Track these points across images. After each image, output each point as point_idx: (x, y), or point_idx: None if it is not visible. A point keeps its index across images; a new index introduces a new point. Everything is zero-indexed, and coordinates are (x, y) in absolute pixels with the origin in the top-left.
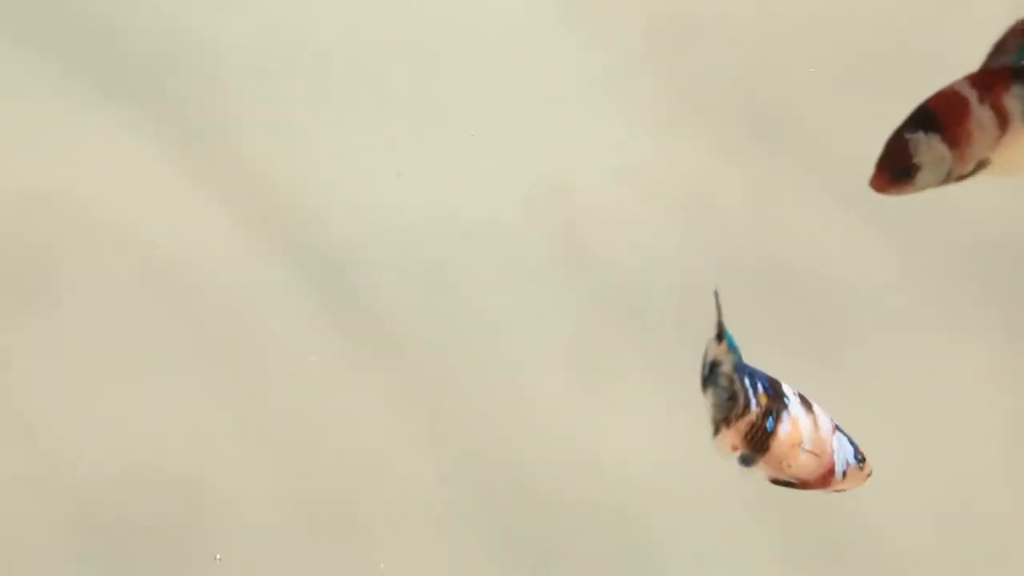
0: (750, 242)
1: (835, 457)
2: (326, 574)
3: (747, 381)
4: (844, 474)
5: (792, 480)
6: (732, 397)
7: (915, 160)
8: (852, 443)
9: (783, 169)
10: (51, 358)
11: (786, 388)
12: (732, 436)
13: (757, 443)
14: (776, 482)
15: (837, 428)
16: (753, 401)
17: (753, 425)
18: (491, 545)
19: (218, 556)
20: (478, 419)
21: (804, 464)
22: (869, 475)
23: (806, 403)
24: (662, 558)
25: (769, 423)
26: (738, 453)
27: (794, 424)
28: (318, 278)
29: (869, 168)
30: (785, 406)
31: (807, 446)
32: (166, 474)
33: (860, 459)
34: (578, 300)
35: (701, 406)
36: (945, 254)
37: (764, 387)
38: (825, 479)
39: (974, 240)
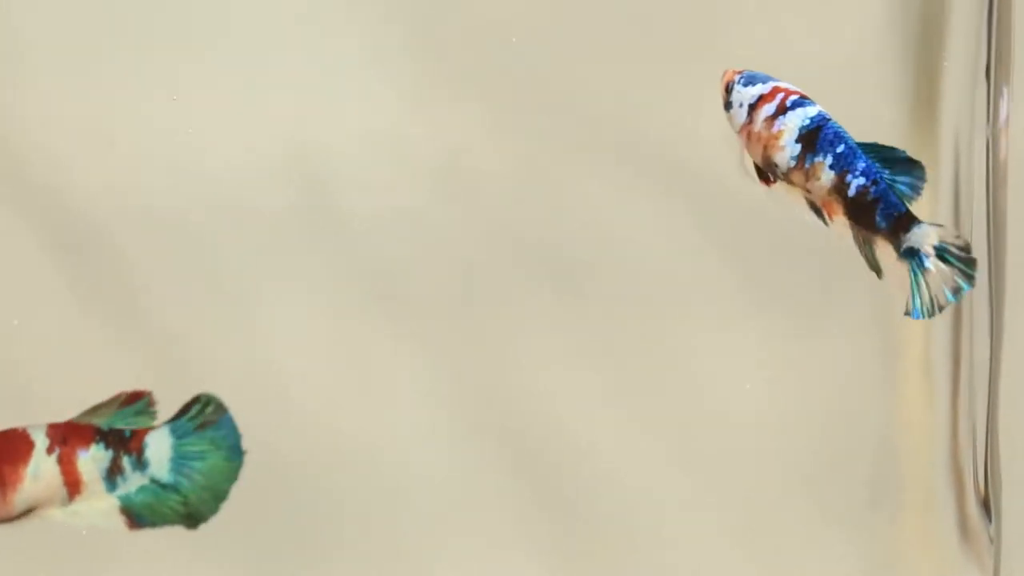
0: (510, 213)
1: None
2: None
3: None
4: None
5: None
6: None
7: None
8: None
9: (548, 140)
10: None
11: None
12: None
13: None
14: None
15: None
16: None
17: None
18: (235, 523)
19: None
20: (221, 387)
21: None
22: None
23: None
24: (419, 535)
25: None
26: None
27: None
28: (60, 229)
29: (639, 142)
30: None
31: None
32: None
33: None
34: (326, 263)
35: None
36: (709, 230)
37: None
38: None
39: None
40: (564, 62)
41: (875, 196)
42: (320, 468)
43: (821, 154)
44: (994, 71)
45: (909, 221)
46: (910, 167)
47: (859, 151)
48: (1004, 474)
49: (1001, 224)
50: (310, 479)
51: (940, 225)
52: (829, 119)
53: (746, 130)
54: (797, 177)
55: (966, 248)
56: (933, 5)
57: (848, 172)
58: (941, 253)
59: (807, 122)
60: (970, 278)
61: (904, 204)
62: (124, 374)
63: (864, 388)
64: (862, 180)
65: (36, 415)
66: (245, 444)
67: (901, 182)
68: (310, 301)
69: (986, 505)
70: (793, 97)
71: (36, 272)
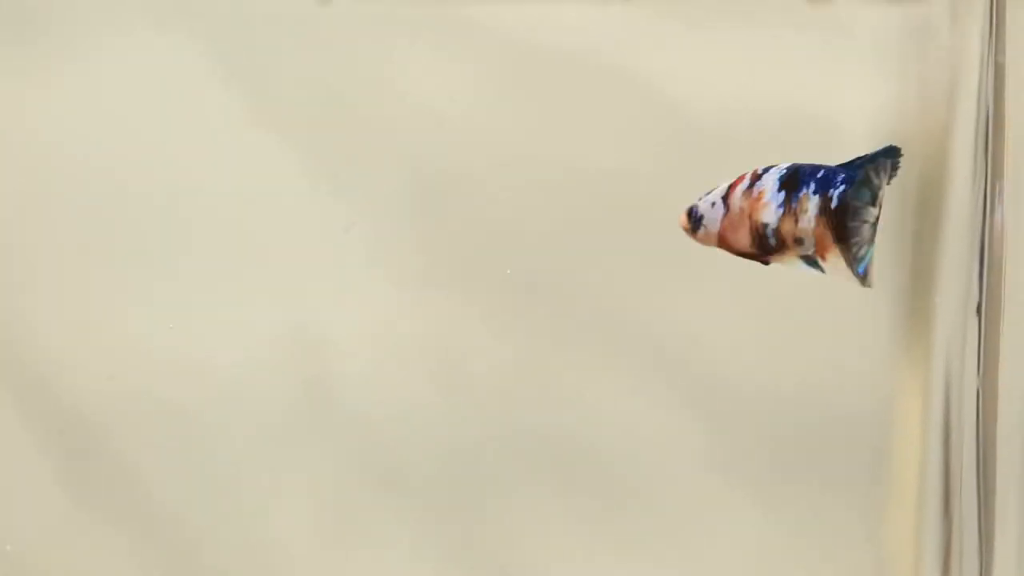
0: (510, 407)
1: None
2: None
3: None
4: None
5: None
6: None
7: None
8: None
9: (544, 330)
10: None
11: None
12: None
13: None
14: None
15: None
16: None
17: None
18: None
19: None
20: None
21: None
22: None
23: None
24: None
25: None
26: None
27: None
28: (57, 417)
29: (633, 327)
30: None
31: None
32: None
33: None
34: (327, 456)
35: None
36: (714, 413)
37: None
38: None
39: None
40: (561, 259)
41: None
42: None
43: (804, 186)
44: (985, 307)
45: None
46: (886, 154)
47: (840, 168)
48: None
49: (991, 476)
50: None
51: None
52: (802, 164)
53: (726, 221)
54: (788, 225)
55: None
56: (925, 242)
57: (831, 187)
58: None
59: (783, 172)
60: None
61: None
62: (124, 565)
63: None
64: (843, 187)
65: None
66: None
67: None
68: (310, 493)
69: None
70: (759, 168)
71: (32, 460)
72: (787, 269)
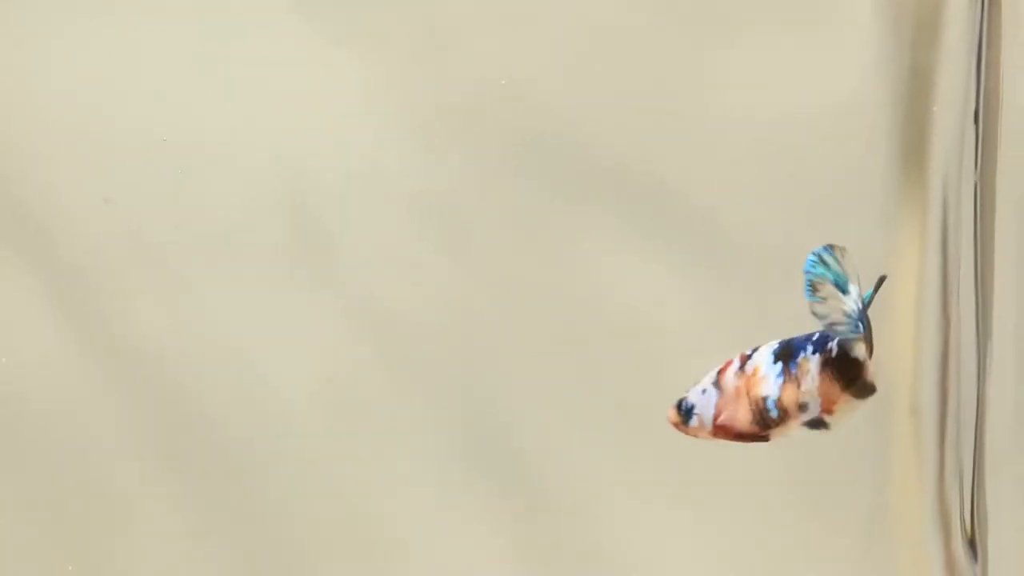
0: (503, 256)
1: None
2: None
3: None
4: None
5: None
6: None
7: None
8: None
9: (549, 185)
10: None
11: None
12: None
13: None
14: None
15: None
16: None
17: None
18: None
19: None
20: (208, 420)
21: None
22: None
23: None
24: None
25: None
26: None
27: None
28: (47, 249)
29: (641, 183)
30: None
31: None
32: None
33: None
34: (320, 308)
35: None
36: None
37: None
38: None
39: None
40: (558, 105)
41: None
42: (308, 506)
43: (801, 352)
44: (983, 116)
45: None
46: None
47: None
48: (990, 514)
49: (988, 272)
50: (298, 518)
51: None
52: (795, 338)
53: (720, 403)
54: (790, 392)
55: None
56: (922, 52)
57: (828, 340)
58: None
59: (776, 347)
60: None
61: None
62: (111, 401)
63: (854, 434)
64: (840, 329)
65: (24, 438)
66: (232, 483)
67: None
68: (300, 337)
69: (972, 545)
70: (747, 351)
71: (24, 294)
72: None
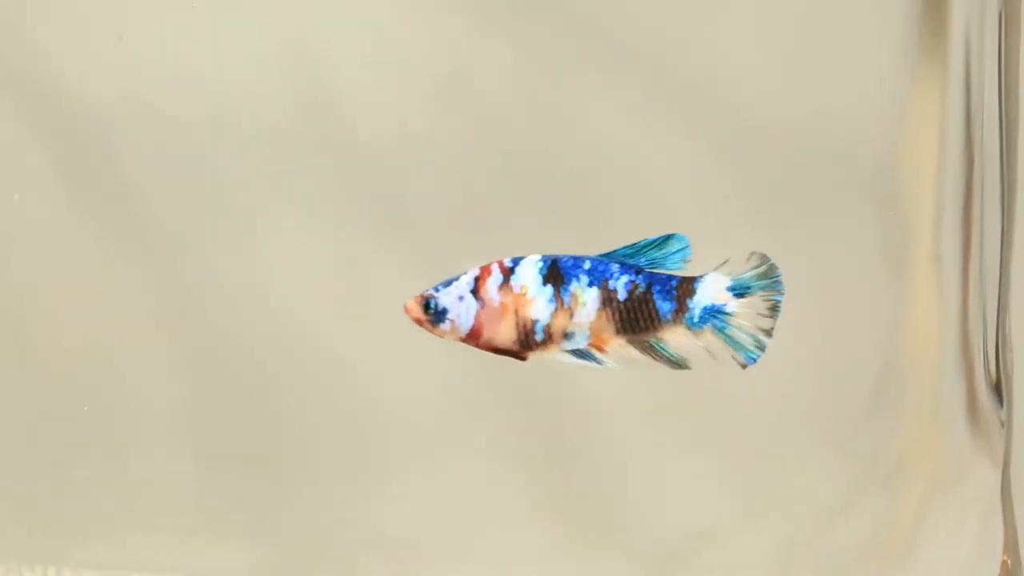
0: (511, 125)
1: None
2: None
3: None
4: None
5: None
6: None
7: None
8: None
9: (551, 51)
10: None
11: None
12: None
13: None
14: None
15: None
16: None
17: None
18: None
19: None
20: (218, 298)
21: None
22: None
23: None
24: (409, 448)
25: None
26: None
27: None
28: (60, 141)
29: (642, 50)
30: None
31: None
32: None
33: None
34: (324, 172)
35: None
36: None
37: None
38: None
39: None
40: None
41: (645, 284)
42: (317, 384)
43: (573, 280)
44: None
45: (689, 282)
46: (664, 244)
47: (605, 259)
48: (1017, 356)
49: (1014, 111)
50: (307, 394)
51: (721, 266)
52: (558, 256)
53: (482, 316)
54: (560, 320)
55: (761, 261)
56: None
57: (608, 279)
58: (737, 290)
59: (540, 264)
60: (778, 283)
61: (675, 275)
62: (120, 280)
63: (872, 282)
64: (625, 277)
65: (30, 311)
66: (241, 360)
67: (663, 259)
68: (310, 213)
69: (997, 389)
70: (505, 262)
71: (36, 172)
72: None
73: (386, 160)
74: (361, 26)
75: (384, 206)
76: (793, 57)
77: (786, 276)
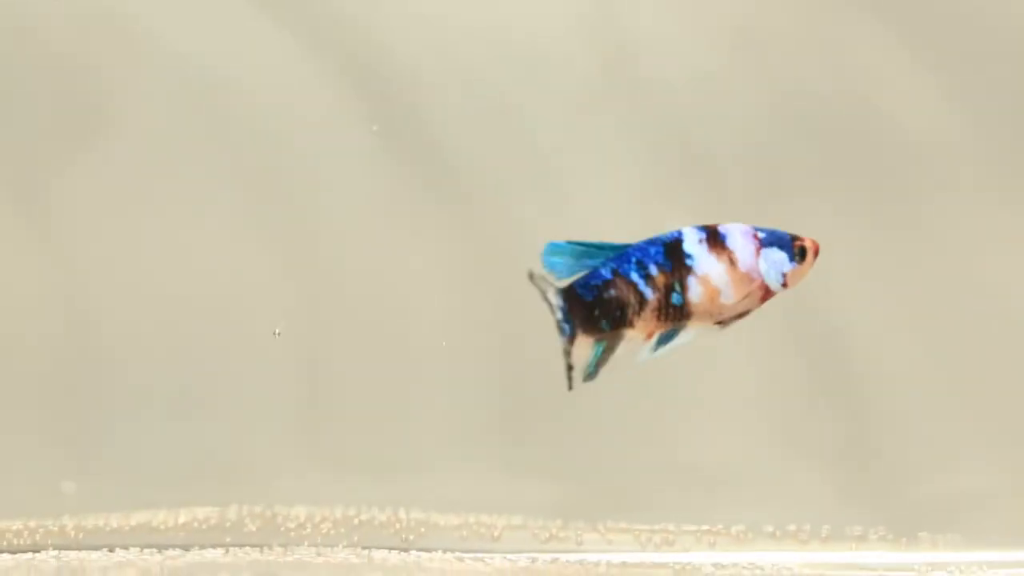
0: (802, 73)
1: (766, 277)
2: None
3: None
4: (784, 283)
5: (733, 317)
6: (561, 329)
7: None
8: (785, 246)
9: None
10: (96, 180)
11: (689, 245)
12: (641, 331)
13: (675, 318)
14: (723, 324)
15: (762, 244)
16: (648, 291)
17: (658, 310)
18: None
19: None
20: (525, 252)
21: (733, 305)
22: (814, 259)
23: (717, 244)
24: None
25: (675, 298)
26: (658, 335)
27: (704, 282)
28: (368, 97)
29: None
30: (689, 270)
31: (728, 291)
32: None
33: (797, 256)
34: (627, 126)
35: None
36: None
37: (659, 264)
38: (763, 298)
39: None
40: None
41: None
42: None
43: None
44: None
45: None
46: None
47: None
48: None
49: None
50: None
51: None
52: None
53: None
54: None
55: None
56: None
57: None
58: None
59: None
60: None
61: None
62: (424, 233)
63: None
64: None
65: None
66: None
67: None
68: (615, 162)
69: None
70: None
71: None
72: None
73: (681, 110)
74: None
75: (680, 151)
76: None
77: None
